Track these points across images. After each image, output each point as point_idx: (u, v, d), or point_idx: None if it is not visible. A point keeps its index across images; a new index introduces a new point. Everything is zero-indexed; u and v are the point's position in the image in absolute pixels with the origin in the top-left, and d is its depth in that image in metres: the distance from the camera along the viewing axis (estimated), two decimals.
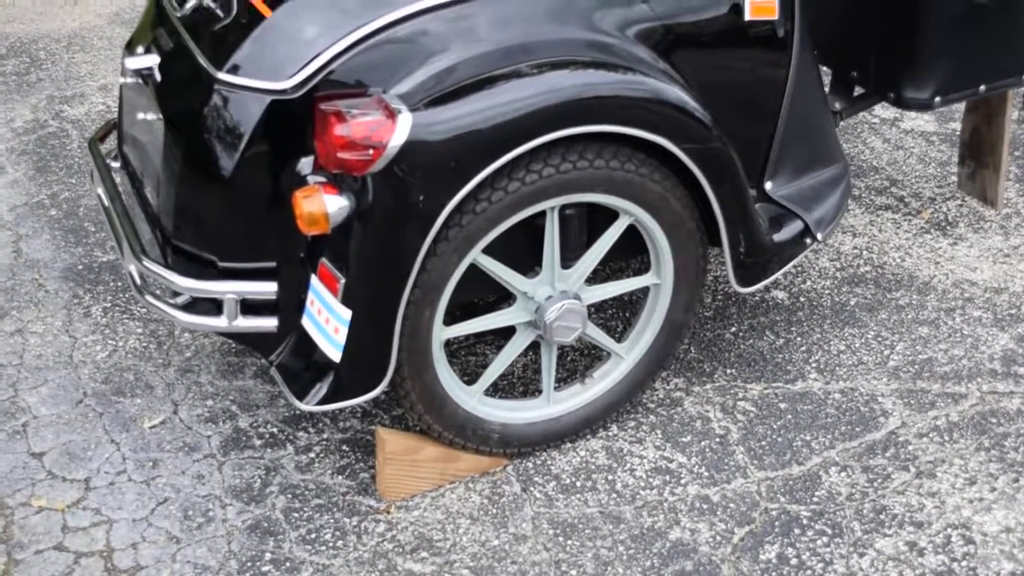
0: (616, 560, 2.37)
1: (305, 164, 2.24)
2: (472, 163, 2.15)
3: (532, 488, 2.55)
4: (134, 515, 2.48)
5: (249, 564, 2.37)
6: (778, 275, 2.67)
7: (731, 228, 2.47)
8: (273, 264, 2.31)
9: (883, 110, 4.13)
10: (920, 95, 2.96)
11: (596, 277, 2.63)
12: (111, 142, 2.89)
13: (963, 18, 2.88)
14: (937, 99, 2.96)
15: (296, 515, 2.49)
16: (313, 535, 2.44)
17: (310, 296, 2.29)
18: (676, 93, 2.33)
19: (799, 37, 2.58)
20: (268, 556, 2.39)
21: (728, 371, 2.89)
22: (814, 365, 2.91)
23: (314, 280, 2.27)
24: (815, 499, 2.51)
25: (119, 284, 3.22)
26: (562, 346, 2.56)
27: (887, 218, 3.52)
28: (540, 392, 2.59)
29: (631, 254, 2.63)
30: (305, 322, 2.31)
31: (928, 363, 2.91)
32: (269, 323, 2.35)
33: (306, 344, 2.32)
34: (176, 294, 2.39)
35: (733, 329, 3.04)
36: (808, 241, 2.69)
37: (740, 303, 3.14)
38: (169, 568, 2.36)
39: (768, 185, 2.71)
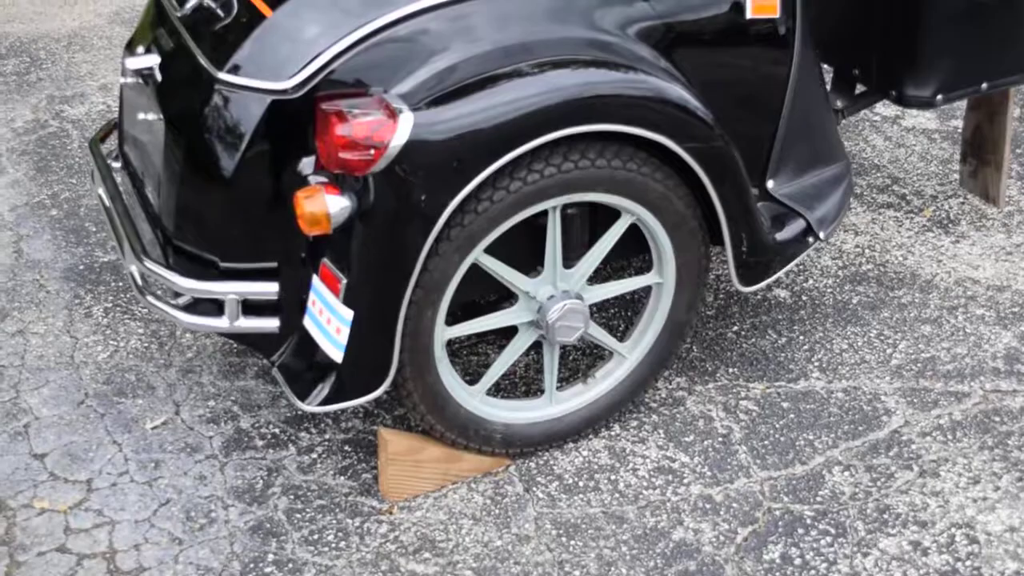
0: (619, 560, 2.37)
1: (306, 164, 2.24)
2: (474, 162, 2.15)
3: (535, 488, 2.55)
4: (136, 516, 2.48)
5: (252, 565, 2.36)
6: (780, 274, 2.67)
7: (733, 227, 2.47)
8: (275, 264, 2.31)
9: (885, 108, 4.12)
10: (922, 93, 2.95)
11: (598, 276, 2.62)
12: (112, 142, 2.89)
13: (965, 16, 2.87)
14: (939, 97, 2.96)
15: (298, 516, 2.48)
16: (316, 536, 2.43)
17: (312, 296, 2.29)
18: (678, 92, 2.32)
19: (800, 35, 2.58)
20: (271, 557, 2.38)
21: (730, 370, 2.89)
22: (816, 364, 2.90)
23: (316, 280, 2.27)
24: (818, 499, 2.51)
25: (120, 284, 3.22)
26: (564, 346, 2.56)
27: (889, 216, 3.51)
28: (542, 392, 2.59)
29: (633, 253, 2.62)
30: (307, 322, 2.31)
31: (931, 362, 2.90)
32: (271, 324, 2.35)
33: (308, 344, 2.32)
34: (177, 295, 2.39)
35: (735, 328, 3.04)
36: (810, 240, 2.69)
37: (742, 302, 3.13)
38: (172, 569, 2.35)
39: (770, 184, 2.71)
